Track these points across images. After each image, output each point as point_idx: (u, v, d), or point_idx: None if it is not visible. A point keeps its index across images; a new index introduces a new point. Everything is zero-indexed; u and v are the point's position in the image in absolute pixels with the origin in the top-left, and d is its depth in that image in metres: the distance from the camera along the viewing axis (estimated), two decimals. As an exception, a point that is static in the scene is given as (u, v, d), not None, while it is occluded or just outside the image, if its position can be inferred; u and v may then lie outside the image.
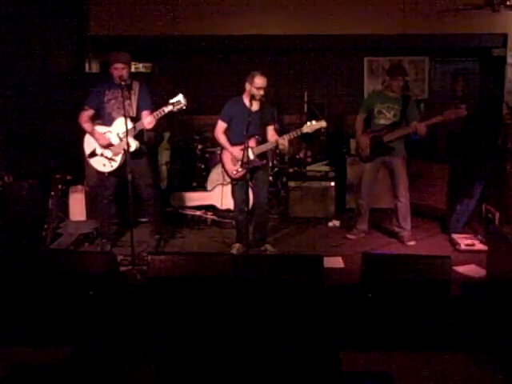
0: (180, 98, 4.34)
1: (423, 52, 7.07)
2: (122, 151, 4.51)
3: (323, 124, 4.52)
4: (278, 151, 6.24)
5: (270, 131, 4.73)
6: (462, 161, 5.96)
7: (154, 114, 4.41)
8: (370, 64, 7.14)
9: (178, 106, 4.35)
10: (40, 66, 5.67)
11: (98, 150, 4.65)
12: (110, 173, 4.68)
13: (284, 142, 4.51)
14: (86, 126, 4.65)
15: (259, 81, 4.47)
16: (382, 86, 5.26)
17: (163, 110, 4.39)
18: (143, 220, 5.11)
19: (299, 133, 4.51)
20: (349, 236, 5.33)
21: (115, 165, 4.63)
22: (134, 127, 4.46)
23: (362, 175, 5.26)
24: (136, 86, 4.65)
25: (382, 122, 5.06)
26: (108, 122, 4.62)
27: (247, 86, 4.54)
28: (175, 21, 6.43)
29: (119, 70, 4.47)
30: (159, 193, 5.26)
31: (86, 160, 4.84)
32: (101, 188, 4.88)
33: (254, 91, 4.47)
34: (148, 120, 4.42)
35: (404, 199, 5.07)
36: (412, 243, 5.10)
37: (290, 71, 7.12)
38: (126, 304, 3.36)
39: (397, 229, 5.19)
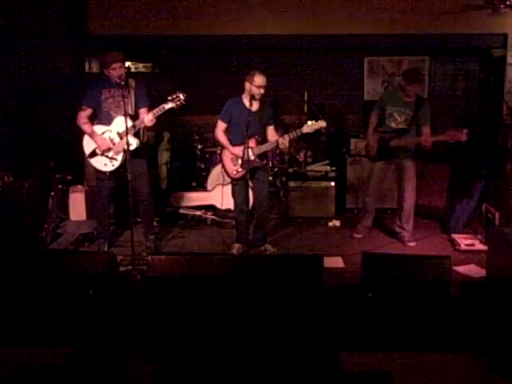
0: (179, 94, 4.35)
1: (423, 52, 7.07)
2: (123, 150, 4.51)
3: (323, 124, 4.51)
4: (278, 151, 6.25)
5: (270, 131, 4.72)
6: (462, 161, 5.96)
7: (154, 111, 4.39)
8: (370, 64, 7.14)
9: (178, 102, 4.35)
10: (40, 66, 5.67)
11: (99, 150, 4.65)
12: (111, 172, 4.68)
13: (285, 141, 4.49)
14: (86, 127, 4.63)
15: (259, 79, 4.46)
16: (396, 87, 5.19)
17: (163, 107, 4.38)
18: (139, 220, 5.11)
19: (299, 133, 4.49)
20: (355, 235, 5.35)
21: (117, 164, 4.63)
22: (134, 125, 4.46)
23: (371, 174, 5.24)
24: (132, 83, 4.63)
25: (393, 125, 5.01)
26: (106, 121, 4.61)
27: (247, 85, 4.53)
28: (175, 21, 6.42)
29: (118, 70, 4.45)
30: (156, 194, 5.25)
31: (86, 160, 4.84)
32: (98, 188, 4.87)
33: (254, 90, 4.45)
34: (149, 118, 4.40)
35: (410, 201, 5.05)
36: (412, 244, 5.09)
37: (289, 71, 7.12)
38: (126, 304, 3.36)
39: (398, 229, 5.19)
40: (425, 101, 5.08)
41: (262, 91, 4.49)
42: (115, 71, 4.45)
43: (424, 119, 4.91)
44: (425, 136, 4.85)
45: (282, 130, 5.51)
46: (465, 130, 4.60)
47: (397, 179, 5.20)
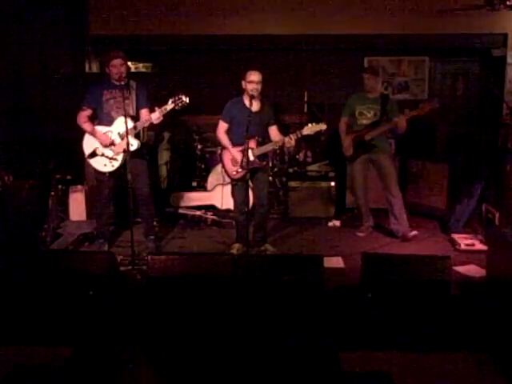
0: (181, 96, 4.37)
1: (423, 52, 7.07)
2: (124, 150, 4.51)
3: (323, 127, 4.52)
4: (278, 151, 6.24)
5: (274, 131, 4.72)
6: (461, 161, 5.97)
7: (162, 108, 4.39)
8: (370, 64, 7.13)
9: (180, 104, 4.38)
10: (40, 66, 5.68)
11: (99, 151, 4.63)
12: (110, 173, 4.68)
13: (291, 141, 4.51)
14: (86, 125, 4.64)
15: (251, 75, 4.49)
16: (382, 87, 5.41)
17: (165, 109, 4.39)
18: (139, 220, 5.10)
19: (299, 135, 4.50)
20: (359, 234, 5.41)
21: (116, 164, 4.62)
22: (135, 126, 4.47)
23: (354, 177, 5.39)
24: (133, 84, 4.64)
25: (364, 122, 5.19)
26: (107, 121, 4.61)
27: (243, 83, 4.56)
28: (175, 21, 6.42)
29: (117, 67, 4.46)
30: (156, 194, 5.25)
31: (86, 160, 4.84)
32: (99, 188, 4.87)
33: (248, 87, 4.48)
34: (156, 115, 4.41)
35: (397, 195, 5.15)
36: (414, 233, 5.14)
37: (289, 71, 7.12)
38: (126, 304, 3.36)
39: (394, 226, 5.20)
40: (388, 96, 5.40)
41: (256, 87, 4.48)
42: (115, 68, 4.46)
43: (393, 112, 5.13)
44: (397, 119, 5.04)
45: (282, 130, 5.51)
46: (436, 98, 4.88)
47: (379, 178, 5.29)
